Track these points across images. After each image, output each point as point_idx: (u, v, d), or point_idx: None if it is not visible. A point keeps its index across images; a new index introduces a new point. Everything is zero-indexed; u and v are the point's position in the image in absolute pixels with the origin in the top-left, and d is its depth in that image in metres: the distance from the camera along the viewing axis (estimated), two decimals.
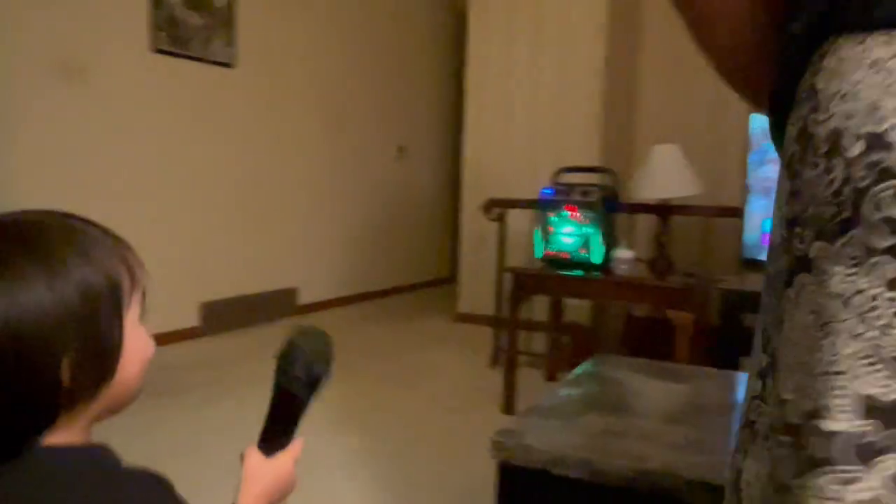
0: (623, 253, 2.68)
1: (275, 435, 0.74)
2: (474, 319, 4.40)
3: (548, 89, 4.24)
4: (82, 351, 0.52)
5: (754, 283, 2.86)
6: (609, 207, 2.76)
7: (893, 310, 0.39)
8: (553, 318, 3.25)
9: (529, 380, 3.11)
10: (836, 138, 0.42)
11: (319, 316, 4.49)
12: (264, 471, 0.72)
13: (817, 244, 0.43)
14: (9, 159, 2.96)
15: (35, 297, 0.50)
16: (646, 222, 3.37)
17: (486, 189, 4.23)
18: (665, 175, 2.78)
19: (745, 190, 2.76)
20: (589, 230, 2.71)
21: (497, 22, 4.38)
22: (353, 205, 4.99)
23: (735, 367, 2.47)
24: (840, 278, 0.41)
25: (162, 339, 3.47)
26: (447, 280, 5.91)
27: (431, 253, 5.91)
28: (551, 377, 3.22)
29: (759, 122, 2.71)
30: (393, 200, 5.38)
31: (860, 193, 0.41)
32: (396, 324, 4.47)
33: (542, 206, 2.82)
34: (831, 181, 0.43)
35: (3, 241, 0.52)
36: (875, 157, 0.40)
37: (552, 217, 2.78)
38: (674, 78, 4.49)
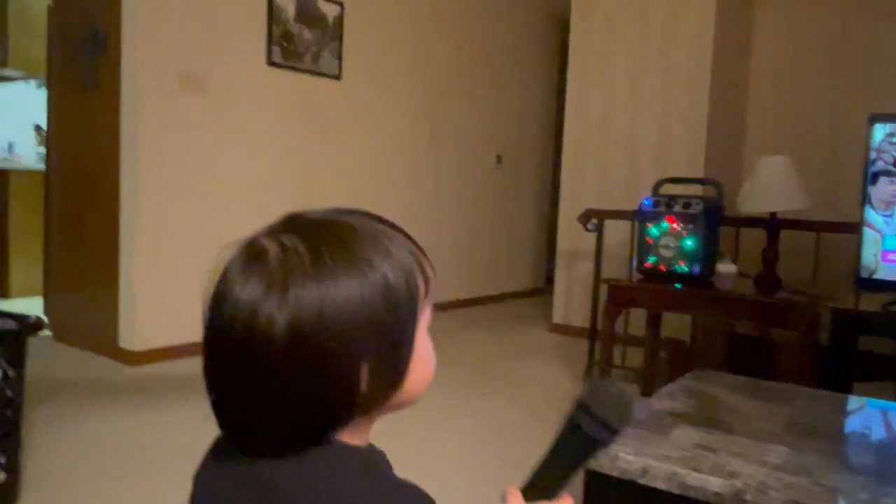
0: (726, 267, 2.59)
1: (544, 479, 0.68)
2: (569, 331, 4.36)
3: (651, 99, 4.16)
4: (380, 357, 0.53)
5: (871, 303, 2.69)
6: (712, 220, 2.67)
7: None
8: (650, 332, 3.17)
9: (636, 400, 3.05)
10: None
11: None
12: None
13: None
14: (135, 162, 3.22)
15: (347, 296, 0.52)
16: (752, 236, 3.24)
17: (584, 199, 4.20)
18: (774, 187, 2.66)
19: (862, 204, 2.60)
20: (690, 243, 2.64)
21: (599, 30, 4.34)
22: (451, 213, 5.07)
23: (847, 391, 2.33)
24: None
25: None
26: (542, 290, 5.88)
27: (527, 262, 5.90)
28: (647, 393, 3.14)
29: (880, 132, 2.55)
30: (490, 209, 5.42)
31: None
32: (491, 332, 4.49)
33: (642, 217, 2.77)
34: None
35: (320, 238, 0.54)
36: None
37: (652, 228, 2.73)
38: (786, 88, 4.29)
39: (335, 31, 4.05)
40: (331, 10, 4.01)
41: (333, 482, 0.53)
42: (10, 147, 5.49)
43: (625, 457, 1.03)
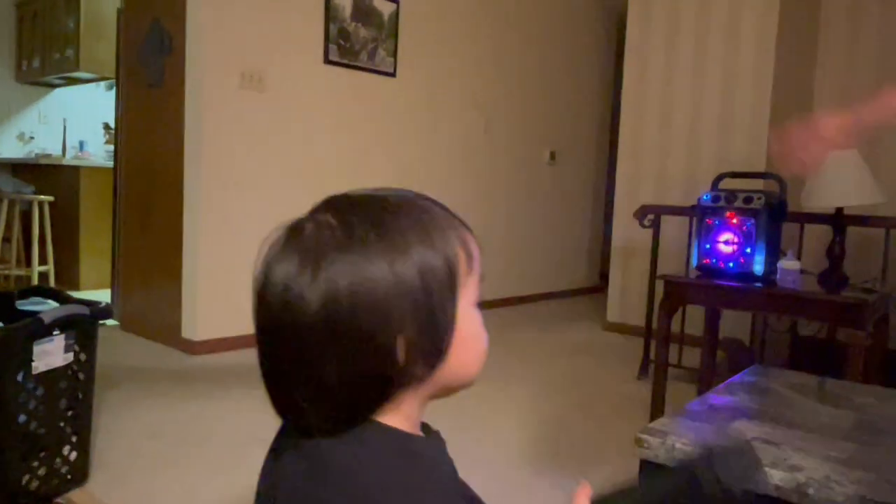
0: (788, 264, 2.51)
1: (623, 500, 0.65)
2: (624, 329, 4.30)
3: (711, 93, 4.06)
4: (417, 330, 0.53)
5: None
6: (774, 215, 2.59)
7: None
8: (708, 331, 3.10)
9: (680, 394, 2.99)
10: None
11: None
12: None
13: None
14: (198, 158, 3.32)
15: (378, 274, 0.52)
16: (817, 232, 3.13)
17: (640, 195, 4.13)
18: (840, 182, 2.56)
19: None
20: (750, 239, 2.57)
21: (658, 21, 4.26)
22: (505, 209, 5.06)
23: None
24: None
25: None
26: (596, 288, 5.81)
27: (582, 260, 5.84)
28: (703, 393, 3.07)
29: None
30: (543, 206, 5.39)
31: None
32: (545, 330, 4.47)
33: (701, 212, 2.70)
34: None
35: (360, 219, 0.55)
36: None
37: (711, 224, 2.66)
38: (854, 79, 4.13)
39: (390, 29, 4.09)
40: (386, 8, 4.05)
41: (366, 461, 0.53)
42: (81, 145, 5.74)
43: (682, 448, 1.02)
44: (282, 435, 0.60)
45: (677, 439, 1.04)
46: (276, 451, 0.60)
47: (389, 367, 0.53)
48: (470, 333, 0.58)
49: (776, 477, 0.94)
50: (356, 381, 0.53)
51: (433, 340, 0.55)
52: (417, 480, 0.54)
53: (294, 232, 0.56)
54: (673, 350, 3.29)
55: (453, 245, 0.57)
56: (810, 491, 0.91)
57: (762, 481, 0.60)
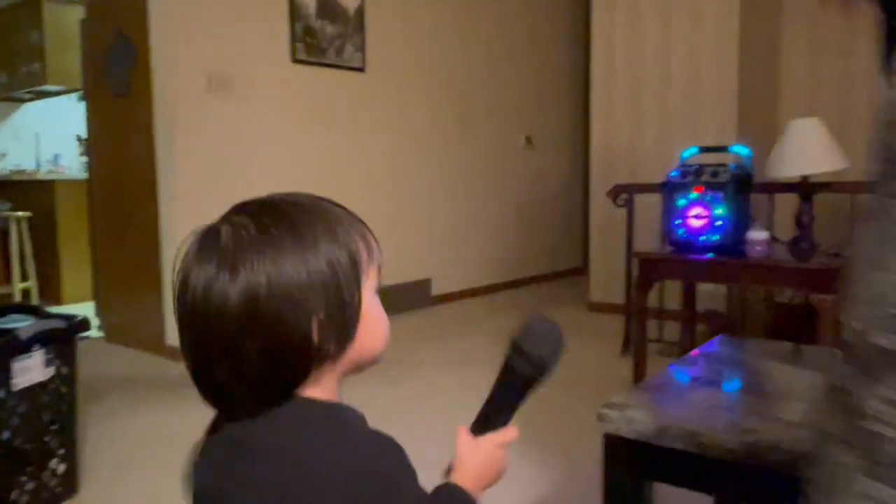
0: (757, 234, 2.55)
1: (490, 416, 0.75)
2: (606, 308, 4.35)
3: (678, 70, 4.10)
4: (328, 313, 0.60)
5: None
6: (741, 187, 2.64)
7: None
8: (685, 304, 3.15)
9: (662, 368, 3.04)
10: None
11: (452, 307, 4.63)
12: (474, 452, 0.75)
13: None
14: (171, 165, 3.32)
15: (292, 267, 0.59)
16: (788, 202, 3.18)
17: (616, 175, 4.17)
18: (805, 151, 2.61)
19: None
20: (719, 211, 2.61)
21: (622, 4, 4.29)
22: (483, 196, 5.08)
23: None
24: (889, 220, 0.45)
25: None
26: (579, 270, 5.86)
27: (563, 242, 5.89)
28: None
29: None
30: (522, 191, 5.42)
31: None
32: (528, 314, 4.50)
33: (670, 188, 2.74)
34: None
35: (272, 219, 0.62)
36: None
37: (681, 199, 2.71)
38: (821, 49, 4.18)
39: (357, 24, 4.09)
40: (351, 3, 4.05)
41: (297, 434, 0.60)
42: (56, 159, 5.71)
43: (641, 419, 1.05)
44: (211, 432, 0.66)
45: (637, 412, 1.07)
46: (207, 448, 0.66)
47: (305, 345, 0.59)
48: (373, 316, 0.65)
49: (728, 441, 0.97)
50: (276, 358, 0.59)
51: (343, 321, 0.62)
52: (343, 437, 0.61)
53: (209, 235, 0.62)
54: (654, 325, 3.34)
55: (354, 239, 0.64)
56: (760, 452, 0.94)
57: (558, 362, 0.71)
